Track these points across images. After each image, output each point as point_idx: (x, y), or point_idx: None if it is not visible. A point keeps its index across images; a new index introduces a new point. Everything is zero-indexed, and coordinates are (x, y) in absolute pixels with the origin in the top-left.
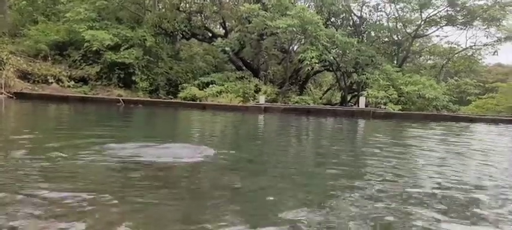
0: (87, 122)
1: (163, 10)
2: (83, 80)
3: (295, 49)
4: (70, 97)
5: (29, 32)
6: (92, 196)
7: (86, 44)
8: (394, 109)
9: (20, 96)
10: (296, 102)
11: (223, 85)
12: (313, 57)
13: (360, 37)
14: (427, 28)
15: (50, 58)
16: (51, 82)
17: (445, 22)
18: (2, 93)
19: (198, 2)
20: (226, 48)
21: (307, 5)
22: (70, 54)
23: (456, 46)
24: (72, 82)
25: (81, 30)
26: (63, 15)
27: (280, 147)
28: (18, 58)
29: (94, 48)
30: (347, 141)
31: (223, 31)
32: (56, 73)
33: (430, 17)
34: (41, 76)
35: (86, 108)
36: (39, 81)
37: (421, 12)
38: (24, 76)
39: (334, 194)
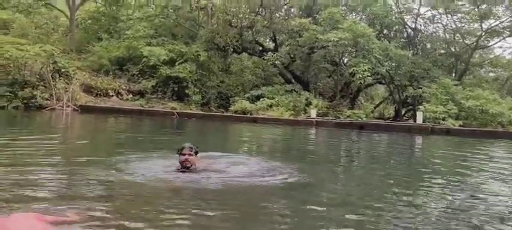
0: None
1: (216, 26)
2: (140, 93)
3: (345, 62)
4: (128, 110)
5: (93, 48)
6: None
7: (143, 59)
8: (454, 125)
9: (84, 108)
10: (348, 116)
11: (273, 98)
12: (365, 70)
13: (415, 49)
14: (489, 39)
15: (111, 73)
16: (112, 96)
17: (508, 33)
18: (68, 106)
19: (249, 17)
20: (276, 62)
21: (358, 18)
22: (129, 69)
23: None
24: (131, 96)
25: (140, 46)
26: (124, 32)
27: None
28: (84, 73)
29: (151, 63)
30: None
31: (274, 45)
32: (116, 87)
33: (491, 27)
34: (102, 90)
35: (147, 121)
36: (101, 94)
37: (481, 22)
38: (88, 90)
39: None
